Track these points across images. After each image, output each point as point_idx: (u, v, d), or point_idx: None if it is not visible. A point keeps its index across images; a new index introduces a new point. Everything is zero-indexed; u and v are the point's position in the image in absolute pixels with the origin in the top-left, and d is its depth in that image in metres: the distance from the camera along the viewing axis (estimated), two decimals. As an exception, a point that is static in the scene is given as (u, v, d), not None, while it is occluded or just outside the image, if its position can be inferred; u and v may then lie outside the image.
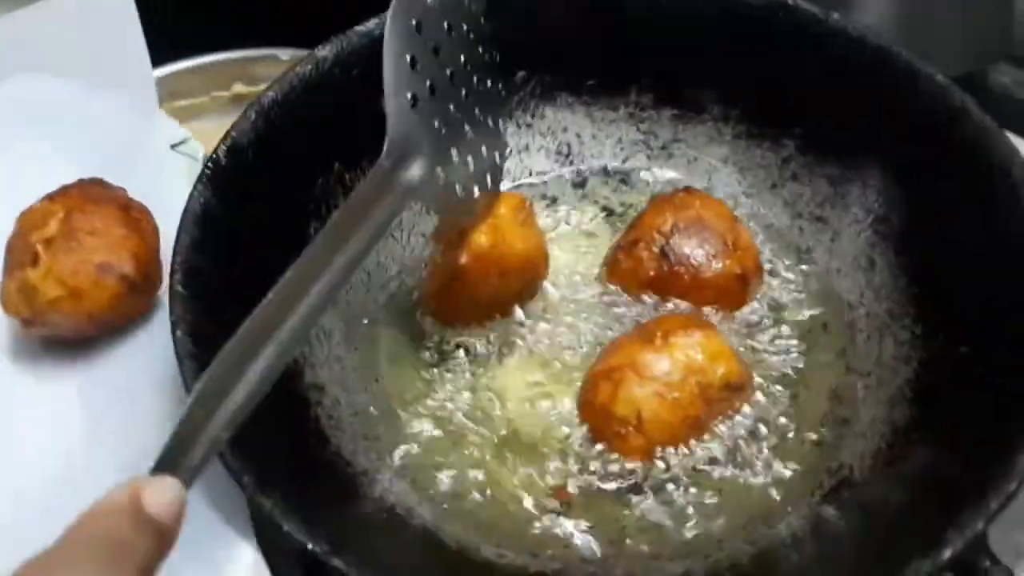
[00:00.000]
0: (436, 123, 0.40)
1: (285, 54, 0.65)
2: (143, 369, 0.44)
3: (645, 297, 0.47)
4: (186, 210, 0.42)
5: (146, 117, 0.54)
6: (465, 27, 0.42)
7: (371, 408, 0.44)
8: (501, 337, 0.47)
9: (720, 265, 0.46)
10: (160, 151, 0.52)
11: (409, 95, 0.38)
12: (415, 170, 0.38)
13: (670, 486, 0.42)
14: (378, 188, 0.37)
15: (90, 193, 0.45)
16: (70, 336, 0.44)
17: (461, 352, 0.46)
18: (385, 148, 0.38)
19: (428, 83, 0.39)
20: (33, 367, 0.44)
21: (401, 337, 0.47)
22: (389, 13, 0.38)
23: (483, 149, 0.44)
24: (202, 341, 0.38)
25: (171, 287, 0.39)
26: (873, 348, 0.45)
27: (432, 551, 0.40)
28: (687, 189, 0.49)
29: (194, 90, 0.63)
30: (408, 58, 0.38)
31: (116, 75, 0.53)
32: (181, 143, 0.54)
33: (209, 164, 0.43)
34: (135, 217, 0.45)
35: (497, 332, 0.47)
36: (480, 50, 0.44)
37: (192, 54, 0.64)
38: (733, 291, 0.47)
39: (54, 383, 0.44)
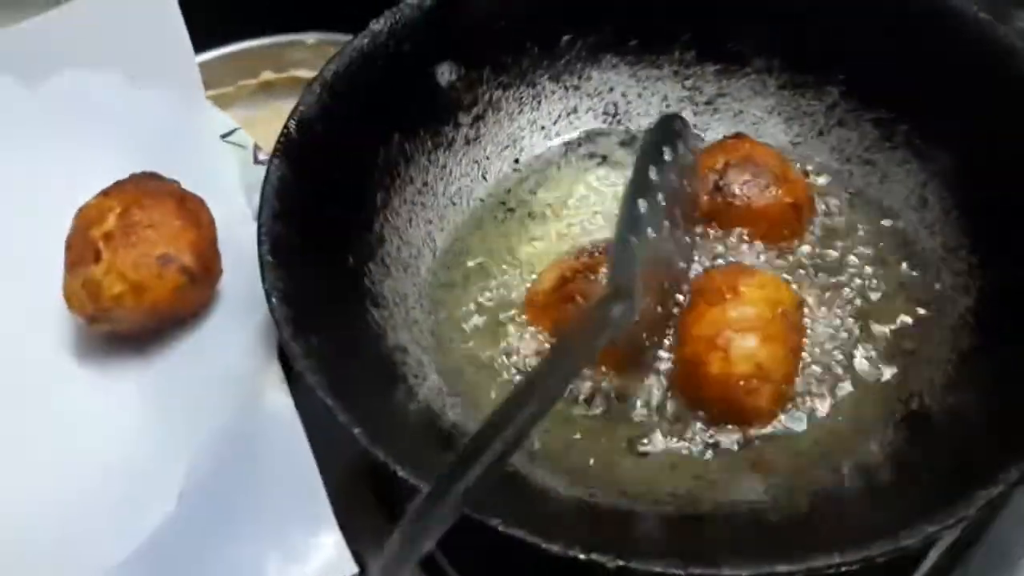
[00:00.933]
0: (649, 265, 0.41)
1: (311, 38, 0.66)
2: (206, 361, 0.45)
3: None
4: (265, 182, 0.43)
5: (194, 109, 0.54)
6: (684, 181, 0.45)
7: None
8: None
9: (772, 194, 0.48)
10: (210, 142, 0.53)
11: (635, 239, 0.40)
12: (626, 308, 0.38)
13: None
14: (599, 325, 0.38)
15: (146, 187, 0.46)
16: (133, 331, 0.46)
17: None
18: (609, 289, 0.39)
19: (650, 229, 0.41)
20: (98, 363, 0.46)
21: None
22: (635, 166, 0.42)
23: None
24: (295, 305, 0.40)
25: (260, 256, 0.41)
26: (931, 280, 0.47)
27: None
28: (737, 134, 0.51)
29: (221, 80, 0.63)
30: (641, 205, 0.40)
31: (161, 68, 0.55)
32: (230, 133, 0.55)
33: (282, 138, 0.45)
34: (191, 208, 0.46)
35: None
36: (688, 203, 0.46)
37: (216, 44, 0.65)
38: (787, 220, 0.48)
39: (118, 378, 0.45)
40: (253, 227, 0.42)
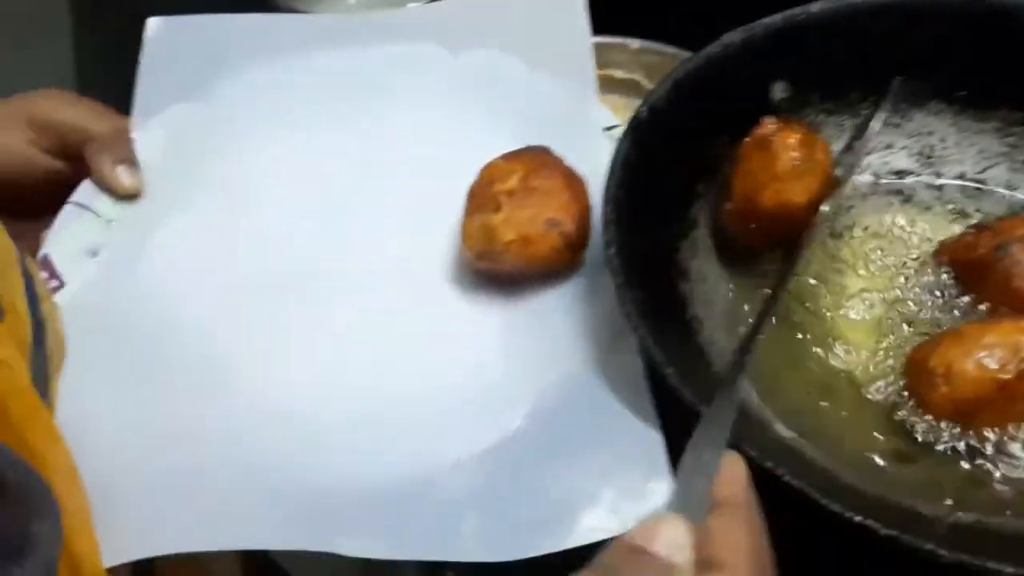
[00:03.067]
0: None
1: (635, 43, 0.72)
2: (564, 314, 0.51)
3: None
4: (615, 153, 0.50)
5: (587, 101, 0.60)
6: None
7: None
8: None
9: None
10: (594, 132, 0.58)
11: None
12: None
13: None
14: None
15: (543, 159, 0.53)
16: (508, 274, 0.52)
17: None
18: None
19: None
20: (473, 293, 0.52)
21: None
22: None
23: None
24: (625, 260, 0.46)
25: (604, 214, 0.47)
26: None
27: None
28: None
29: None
30: None
31: (561, 58, 0.61)
32: (612, 128, 0.58)
33: (633, 120, 0.51)
34: (576, 185, 0.52)
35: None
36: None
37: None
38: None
39: (485, 311, 0.52)
40: None
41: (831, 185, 0.53)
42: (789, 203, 0.51)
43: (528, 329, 0.50)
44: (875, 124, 0.56)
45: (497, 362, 0.49)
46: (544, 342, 0.50)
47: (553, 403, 0.47)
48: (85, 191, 0.56)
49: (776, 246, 0.53)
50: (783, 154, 0.50)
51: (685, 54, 0.71)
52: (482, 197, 0.51)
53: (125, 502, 0.43)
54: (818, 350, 0.50)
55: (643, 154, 0.51)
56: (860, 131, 0.57)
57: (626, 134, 0.51)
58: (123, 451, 0.45)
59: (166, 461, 0.45)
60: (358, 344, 0.50)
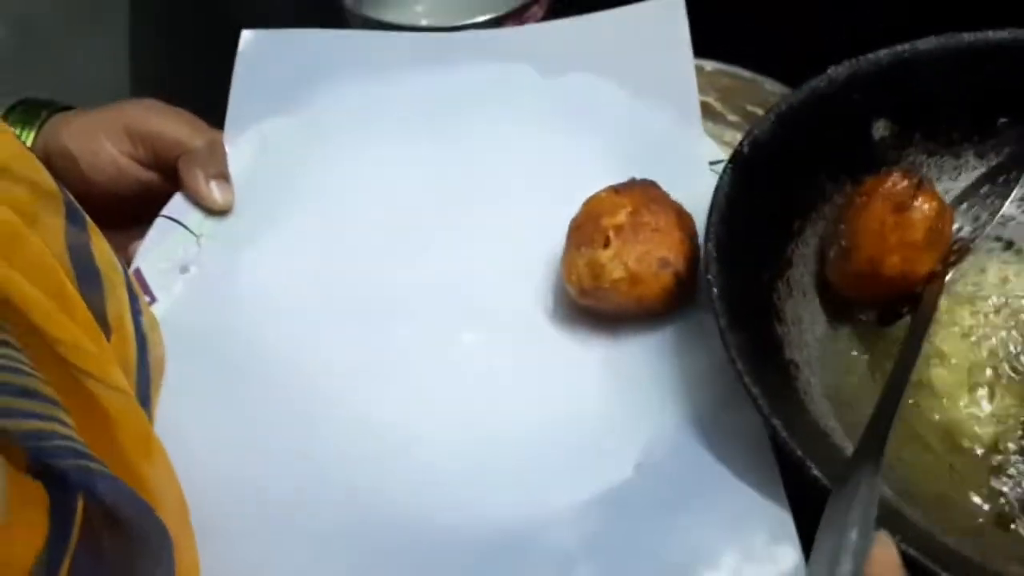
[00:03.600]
0: None
1: (709, 65, 0.71)
2: (670, 357, 0.49)
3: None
4: (718, 187, 0.49)
5: (691, 132, 0.58)
6: None
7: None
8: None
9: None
10: (699, 166, 0.56)
11: None
12: None
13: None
14: None
15: (652, 194, 0.51)
16: (612, 312, 0.50)
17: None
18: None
19: None
20: (573, 331, 0.51)
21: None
22: None
23: None
24: (728, 299, 0.45)
25: (705, 251, 0.46)
26: None
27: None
28: None
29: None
30: None
31: (665, 87, 0.59)
32: (717, 163, 0.57)
33: (736, 153, 0.50)
34: (686, 222, 0.51)
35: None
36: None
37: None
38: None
39: (587, 349, 0.50)
40: None
41: (951, 251, 0.51)
42: (914, 273, 0.49)
43: (632, 372, 0.49)
44: (1017, 190, 0.55)
45: (601, 407, 0.47)
46: (651, 388, 0.48)
47: (664, 454, 0.45)
48: (177, 205, 0.55)
49: (875, 303, 0.52)
50: (921, 223, 0.48)
51: (760, 79, 0.71)
52: (588, 231, 0.49)
53: (222, 536, 0.41)
54: (912, 401, 0.49)
55: (744, 190, 0.50)
56: (994, 196, 0.55)
57: (727, 169, 0.50)
58: (222, 481, 0.44)
59: (269, 489, 0.44)
60: (455, 379, 0.49)
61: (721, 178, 0.49)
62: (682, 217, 0.50)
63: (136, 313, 0.44)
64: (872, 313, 0.52)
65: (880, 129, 0.55)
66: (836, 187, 0.54)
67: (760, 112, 0.73)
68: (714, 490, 0.43)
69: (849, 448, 0.47)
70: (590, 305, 0.50)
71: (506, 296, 0.52)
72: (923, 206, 0.48)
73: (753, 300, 0.49)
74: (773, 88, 0.74)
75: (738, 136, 0.74)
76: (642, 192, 0.50)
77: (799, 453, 0.40)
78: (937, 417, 0.48)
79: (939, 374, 0.50)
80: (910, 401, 0.48)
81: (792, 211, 0.53)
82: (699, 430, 0.46)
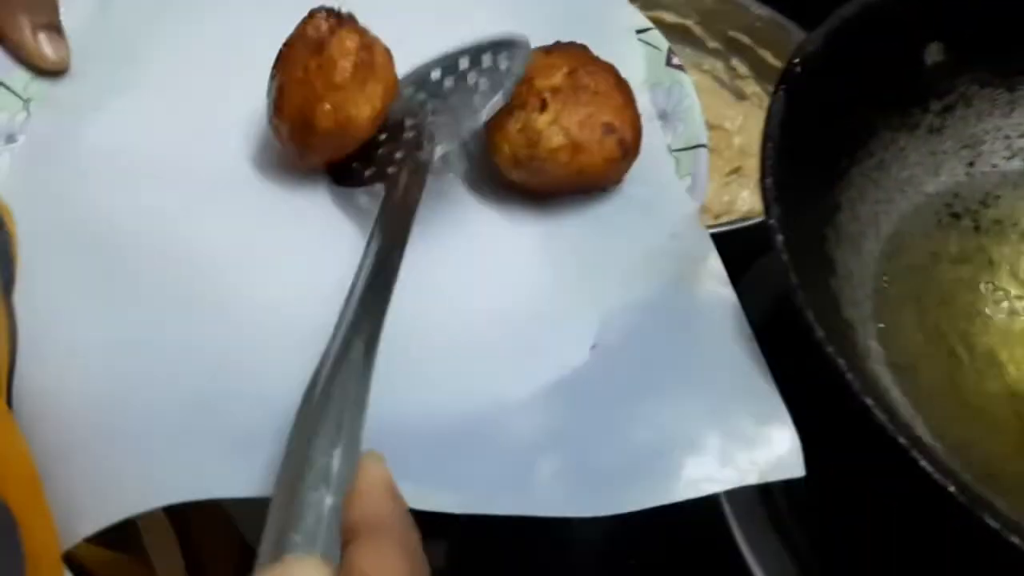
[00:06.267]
0: None
1: None
2: (613, 233, 0.44)
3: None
4: (771, 111, 0.40)
5: (614, 2, 0.53)
6: None
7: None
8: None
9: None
10: (625, 35, 0.51)
11: None
12: None
13: None
14: None
15: (587, 56, 0.45)
16: (544, 186, 0.44)
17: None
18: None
19: None
20: (503, 211, 0.45)
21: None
22: None
23: None
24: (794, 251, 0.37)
25: (765, 191, 0.38)
26: None
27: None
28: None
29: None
30: None
31: None
32: (644, 31, 0.52)
33: (787, 72, 0.42)
34: (626, 90, 0.44)
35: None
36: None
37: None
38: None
39: (519, 231, 0.44)
40: (651, 125, 0.45)
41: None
42: (351, 119, 0.42)
43: (575, 252, 0.43)
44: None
45: (546, 289, 0.42)
46: (595, 269, 0.42)
47: (622, 334, 0.39)
48: None
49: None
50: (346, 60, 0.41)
51: (747, 3, 0.67)
52: (520, 94, 0.42)
53: (114, 447, 0.33)
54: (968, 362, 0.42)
55: (798, 118, 0.42)
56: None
57: (780, 92, 0.41)
58: (105, 381, 0.35)
59: (164, 390, 0.35)
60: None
61: (773, 103, 0.41)
62: (620, 80, 0.44)
63: None
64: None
65: (933, 54, 0.48)
66: (885, 121, 0.47)
67: (745, 39, 0.69)
68: (680, 370, 0.38)
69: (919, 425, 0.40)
70: (521, 180, 0.44)
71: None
72: (344, 42, 0.41)
73: (811, 249, 0.41)
74: (761, 12, 0.67)
75: (719, 65, 0.69)
76: (576, 54, 0.44)
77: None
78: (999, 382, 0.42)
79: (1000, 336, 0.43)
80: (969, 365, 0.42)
81: (840, 146, 0.45)
82: (658, 309, 0.40)
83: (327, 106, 0.40)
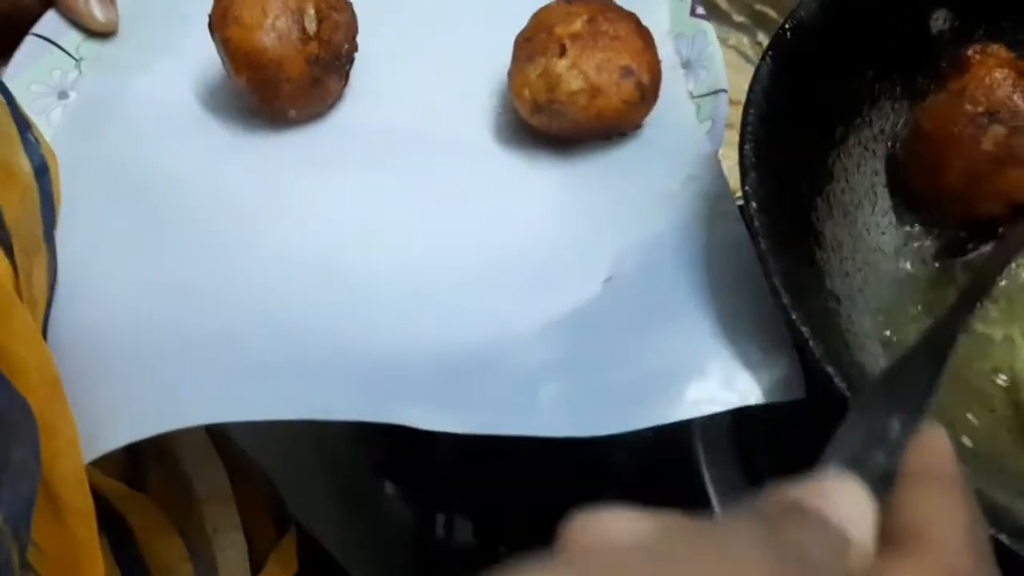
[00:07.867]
0: None
1: None
2: (630, 174, 0.45)
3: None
4: (756, 76, 0.40)
5: None
6: None
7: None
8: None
9: None
10: None
11: None
12: None
13: None
14: None
15: (607, 4, 0.46)
16: (565, 130, 0.45)
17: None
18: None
19: None
20: (523, 153, 0.46)
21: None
22: None
23: None
24: (769, 217, 0.37)
25: (743, 157, 0.38)
26: None
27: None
28: None
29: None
30: None
31: None
32: None
33: (776, 38, 0.41)
34: (646, 35, 0.45)
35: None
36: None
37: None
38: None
39: (540, 171, 0.46)
40: (674, 73, 0.46)
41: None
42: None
43: (593, 192, 0.44)
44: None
45: (558, 228, 0.43)
46: (611, 207, 0.44)
47: (634, 269, 0.41)
48: (50, 23, 0.47)
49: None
50: None
51: None
52: (540, 41, 0.44)
53: (142, 374, 0.36)
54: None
55: (786, 84, 0.41)
56: None
57: (766, 57, 0.41)
58: (136, 316, 0.38)
59: (191, 325, 0.38)
60: (392, 203, 0.44)
61: (758, 69, 0.40)
62: (641, 27, 0.45)
63: (29, 143, 0.38)
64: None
65: (939, 21, 0.46)
66: (886, 89, 0.46)
67: (773, 13, 0.66)
68: (692, 302, 0.39)
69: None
70: (542, 124, 0.45)
71: (447, 118, 0.47)
72: None
73: (793, 219, 0.40)
74: (791, -17, 0.65)
75: (744, 40, 0.70)
76: (598, 3, 0.45)
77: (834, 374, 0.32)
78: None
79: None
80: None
81: (835, 114, 0.44)
82: (671, 245, 0.41)
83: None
